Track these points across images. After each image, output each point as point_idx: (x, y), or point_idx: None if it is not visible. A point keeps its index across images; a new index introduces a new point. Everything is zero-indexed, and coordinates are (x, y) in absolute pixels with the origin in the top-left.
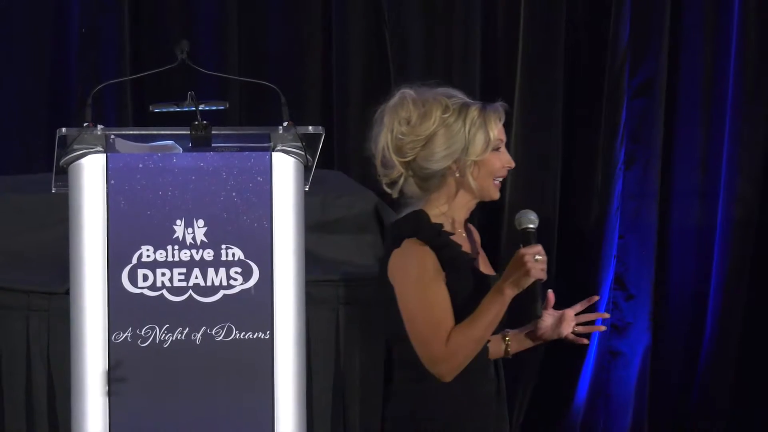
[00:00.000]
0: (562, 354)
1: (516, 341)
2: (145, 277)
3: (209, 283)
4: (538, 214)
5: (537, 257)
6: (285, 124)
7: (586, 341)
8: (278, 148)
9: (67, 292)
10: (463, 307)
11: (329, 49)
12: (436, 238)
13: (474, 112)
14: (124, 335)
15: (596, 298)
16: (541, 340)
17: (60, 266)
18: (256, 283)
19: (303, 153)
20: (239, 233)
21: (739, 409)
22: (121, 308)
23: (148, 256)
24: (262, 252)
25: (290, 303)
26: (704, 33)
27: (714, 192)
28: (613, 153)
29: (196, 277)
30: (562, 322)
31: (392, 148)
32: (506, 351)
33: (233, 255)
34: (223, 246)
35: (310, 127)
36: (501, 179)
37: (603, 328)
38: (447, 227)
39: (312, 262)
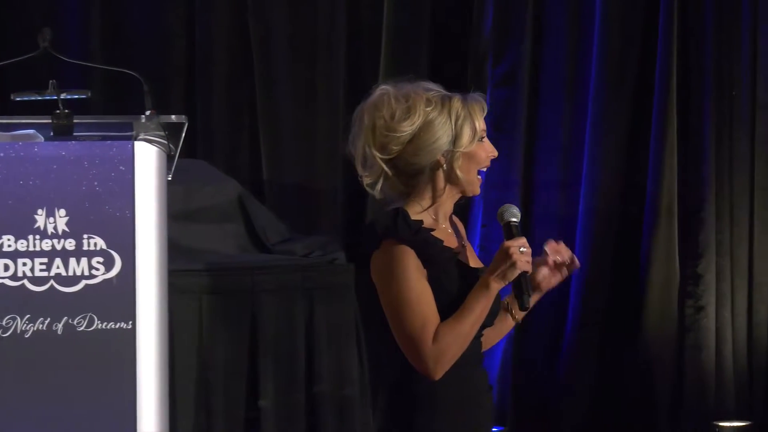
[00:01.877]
0: None
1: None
2: (6, 267)
3: (71, 273)
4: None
5: (522, 249)
6: (148, 112)
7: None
8: (141, 137)
9: None
10: (451, 303)
11: (192, 36)
12: (414, 236)
13: (457, 103)
14: None
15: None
16: (542, 292)
17: None
18: (119, 273)
19: (166, 142)
20: (101, 223)
21: (601, 395)
22: None
23: (9, 245)
24: (124, 241)
25: (153, 293)
26: (567, 21)
27: (575, 182)
28: None
29: (58, 267)
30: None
31: (375, 146)
32: (514, 317)
33: (95, 244)
34: (85, 235)
35: (173, 116)
36: (485, 170)
37: (577, 263)
38: (429, 223)
39: (175, 251)
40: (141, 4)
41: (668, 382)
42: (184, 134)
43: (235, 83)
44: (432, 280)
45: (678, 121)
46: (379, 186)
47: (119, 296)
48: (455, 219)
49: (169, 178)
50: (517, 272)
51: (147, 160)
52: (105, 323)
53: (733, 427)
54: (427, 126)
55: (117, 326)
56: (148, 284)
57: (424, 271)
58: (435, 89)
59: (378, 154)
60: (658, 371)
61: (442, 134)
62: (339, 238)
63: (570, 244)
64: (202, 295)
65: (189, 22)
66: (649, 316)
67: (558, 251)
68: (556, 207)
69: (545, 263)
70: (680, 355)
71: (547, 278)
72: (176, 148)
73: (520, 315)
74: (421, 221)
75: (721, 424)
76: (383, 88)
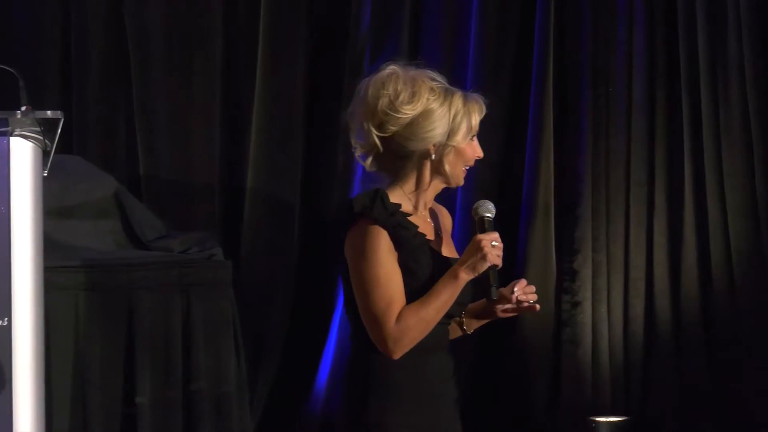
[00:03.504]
0: (303, 341)
1: (473, 320)
2: None
3: None
4: (279, 199)
5: (493, 243)
6: (23, 108)
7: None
8: (16, 132)
9: None
10: (419, 288)
11: (68, 31)
12: (389, 218)
13: (458, 99)
14: None
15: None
16: (496, 317)
17: None
18: None
19: (41, 137)
20: None
21: (477, 390)
22: None
23: None
24: None
25: (29, 289)
26: (444, 16)
27: None
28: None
29: None
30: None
31: (374, 121)
32: (462, 329)
33: None
34: None
35: (49, 112)
36: (469, 167)
37: (537, 307)
38: (407, 208)
39: (51, 247)
40: None
41: (545, 377)
42: (60, 130)
43: (111, 78)
44: (402, 264)
45: (554, 118)
46: (370, 159)
47: None
48: (440, 209)
49: (45, 174)
50: (486, 265)
51: (22, 155)
52: None
53: (610, 421)
54: (426, 114)
55: None
56: (24, 281)
57: (396, 253)
58: (439, 80)
59: (374, 130)
60: (535, 366)
61: (439, 125)
62: (216, 234)
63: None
64: (79, 291)
65: (64, 17)
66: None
67: (526, 293)
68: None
69: (508, 300)
70: (557, 350)
71: (501, 311)
72: (52, 143)
73: (471, 328)
74: (399, 205)
75: (598, 419)
76: (392, 68)
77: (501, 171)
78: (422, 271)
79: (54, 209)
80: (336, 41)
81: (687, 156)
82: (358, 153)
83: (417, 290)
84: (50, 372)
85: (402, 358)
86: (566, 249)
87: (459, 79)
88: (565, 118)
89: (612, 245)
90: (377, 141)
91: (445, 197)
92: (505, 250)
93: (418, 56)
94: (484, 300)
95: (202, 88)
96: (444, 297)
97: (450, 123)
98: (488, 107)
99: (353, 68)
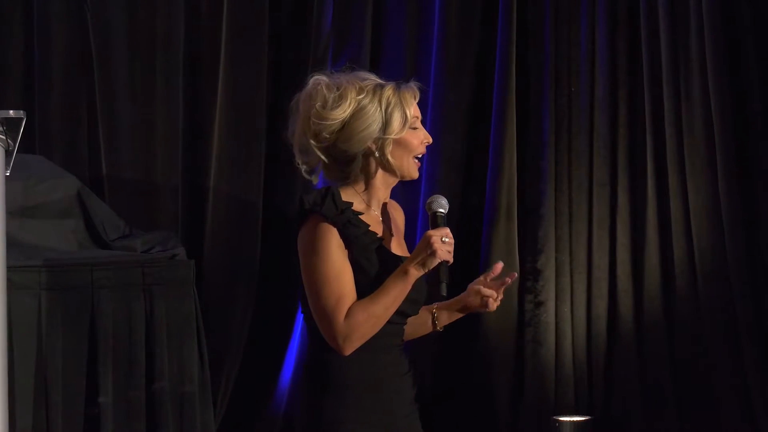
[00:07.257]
0: (266, 341)
1: (445, 315)
2: None
3: None
4: (242, 199)
5: (444, 239)
6: None
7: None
8: None
9: None
10: (369, 285)
11: (30, 31)
12: (339, 215)
13: (389, 91)
14: None
15: (500, 265)
16: (470, 311)
17: None
18: None
19: (4, 137)
20: None
21: (440, 389)
22: None
23: None
24: None
25: None
26: (406, 21)
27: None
28: None
29: None
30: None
31: (310, 134)
32: (434, 324)
33: None
34: None
35: (11, 111)
36: (420, 156)
37: (515, 275)
38: (359, 206)
39: (13, 247)
40: None
41: (508, 377)
42: (22, 129)
43: (74, 78)
44: (353, 261)
45: (517, 118)
46: (317, 174)
47: None
48: (394, 206)
49: (7, 174)
50: (436, 261)
51: None
52: None
53: (573, 421)
54: (357, 114)
55: None
56: None
57: (346, 250)
58: (370, 78)
59: (313, 142)
60: (498, 366)
61: (372, 122)
62: (179, 233)
63: (410, 241)
64: (41, 291)
65: (27, 16)
66: (488, 312)
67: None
68: (398, 201)
69: (481, 283)
70: (520, 350)
71: (476, 304)
72: (15, 143)
73: (441, 324)
74: (351, 203)
75: (561, 418)
76: (317, 78)
77: (464, 171)
78: (373, 268)
79: (16, 209)
80: (298, 42)
81: (649, 155)
82: (304, 170)
83: (368, 287)
84: (13, 372)
85: (356, 356)
86: (529, 249)
87: (422, 80)
88: (527, 117)
89: (575, 245)
90: (319, 153)
91: (411, 199)
92: (468, 249)
93: (380, 60)
94: (457, 297)
95: (165, 88)
96: (393, 293)
97: (383, 116)
98: (452, 108)
99: (316, 68)
